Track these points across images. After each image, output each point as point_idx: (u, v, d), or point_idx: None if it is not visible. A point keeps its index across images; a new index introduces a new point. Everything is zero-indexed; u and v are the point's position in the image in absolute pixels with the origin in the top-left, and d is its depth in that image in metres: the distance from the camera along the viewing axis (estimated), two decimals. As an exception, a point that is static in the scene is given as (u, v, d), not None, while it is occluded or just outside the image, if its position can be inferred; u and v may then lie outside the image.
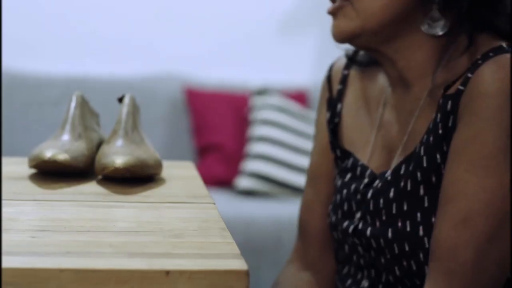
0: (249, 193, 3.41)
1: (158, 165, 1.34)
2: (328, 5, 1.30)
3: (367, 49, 1.33)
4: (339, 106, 1.44)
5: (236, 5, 3.91)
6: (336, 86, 1.45)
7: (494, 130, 1.15)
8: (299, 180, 3.36)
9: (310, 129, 3.51)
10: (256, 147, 3.47)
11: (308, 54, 3.93)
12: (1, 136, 3.46)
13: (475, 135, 1.16)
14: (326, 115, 1.46)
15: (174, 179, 1.37)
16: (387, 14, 1.24)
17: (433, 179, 1.23)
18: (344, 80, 1.44)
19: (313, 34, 3.91)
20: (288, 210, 3.10)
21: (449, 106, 1.21)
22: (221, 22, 3.90)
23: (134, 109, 1.39)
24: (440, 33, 1.24)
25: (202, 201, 1.21)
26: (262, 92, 3.59)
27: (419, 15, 1.25)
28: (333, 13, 1.28)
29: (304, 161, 3.40)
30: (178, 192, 1.27)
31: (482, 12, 1.24)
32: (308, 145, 3.45)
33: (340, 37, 1.28)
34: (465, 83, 1.20)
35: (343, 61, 1.47)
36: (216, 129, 3.58)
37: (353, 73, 1.44)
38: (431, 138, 1.23)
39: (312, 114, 3.57)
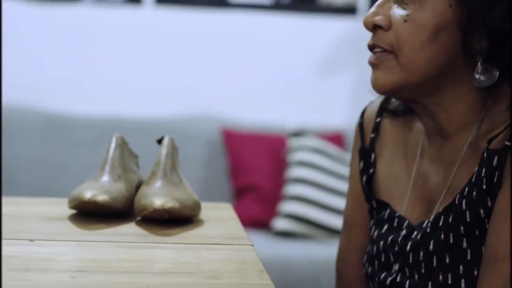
0: (286, 235, 3.40)
1: (197, 207, 1.34)
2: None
3: (407, 101, 1.32)
4: (372, 155, 1.43)
5: (273, 47, 3.93)
6: (369, 135, 1.44)
7: None
8: (336, 221, 3.35)
9: (347, 171, 3.49)
10: (292, 189, 3.46)
11: (344, 96, 3.94)
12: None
13: None
14: (359, 164, 1.45)
15: (212, 220, 1.37)
16: (431, 68, 1.23)
17: (477, 232, 1.23)
18: (377, 128, 1.43)
19: (349, 76, 3.91)
20: (325, 251, 3.08)
21: (495, 161, 1.20)
22: (257, 64, 3.92)
23: (173, 151, 1.40)
24: (487, 85, 1.23)
25: (240, 242, 1.21)
26: (298, 133, 3.60)
27: (462, 67, 1.24)
28: (375, 64, 1.27)
29: (340, 203, 3.39)
30: (216, 233, 1.27)
31: None
32: (345, 186, 3.43)
33: (382, 90, 1.27)
34: (511, 139, 1.19)
35: (375, 107, 1.45)
36: (253, 170, 3.59)
37: (386, 120, 1.42)
38: (474, 193, 1.22)
39: (349, 156, 3.56)
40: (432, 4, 1.22)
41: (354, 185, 1.47)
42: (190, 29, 3.90)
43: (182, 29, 3.90)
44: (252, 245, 1.19)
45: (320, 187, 3.46)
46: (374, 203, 1.41)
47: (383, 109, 1.43)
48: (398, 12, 1.24)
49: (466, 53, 1.22)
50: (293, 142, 3.58)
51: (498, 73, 1.23)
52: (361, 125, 1.46)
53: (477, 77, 1.23)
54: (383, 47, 1.25)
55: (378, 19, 1.25)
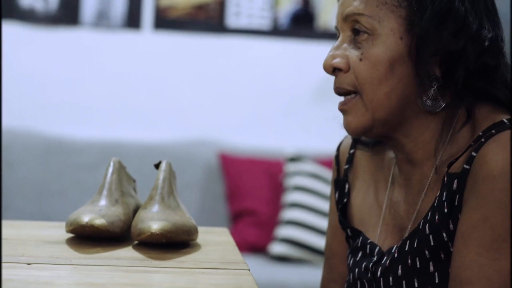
0: (282, 259, 3.40)
1: (194, 231, 1.34)
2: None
3: (380, 138, 1.35)
4: (346, 186, 1.45)
5: (270, 72, 3.94)
6: (343, 166, 1.48)
7: (502, 212, 1.17)
8: (333, 246, 3.35)
9: (344, 196, 3.50)
10: (289, 213, 3.47)
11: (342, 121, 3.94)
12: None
13: (484, 219, 1.17)
14: (335, 195, 1.48)
15: (209, 244, 1.37)
16: (392, 101, 1.26)
17: (442, 256, 1.24)
18: (350, 160, 1.46)
19: (347, 101, 3.93)
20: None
21: (455, 185, 1.22)
22: (255, 88, 3.94)
23: (171, 175, 1.41)
24: (438, 110, 1.26)
25: (237, 267, 1.21)
26: (295, 158, 3.60)
27: (421, 96, 1.27)
28: (344, 110, 1.31)
29: (337, 228, 3.39)
30: (213, 257, 1.28)
31: (479, 83, 1.25)
32: (342, 211, 3.44)
33: (355, 133, 1.31)
34: (469, 161, 1.21)
35: (350, 139, 1.49)
36: (250, 195, 3.59)
37: (359, 152, 1.46)
38: (436, 217, 1.24)
39: (346, 181, 3.57)
40: (383, 40, 1.25)
41: (332, 216, 1.50)
42: (188, 53, 3.91)
43: (181, 53, 3.91)
44: (249, 270, 1.19)
45: (317, 212, 3.46)
46: (349, 231, 1.43)
47: (356, 141, 1.47)
48: (353, 52, 1.27)
49: (423, 81, 1.25)
50: (290, 167, 3.58)
51: (446, 100, 1.25)
52: (337, 158, 1.51)
53: (425, 101, 1.26)
54: (347, 89, 1.29)
55: (337, 61, 1.29)
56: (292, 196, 3.50)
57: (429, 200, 1.29)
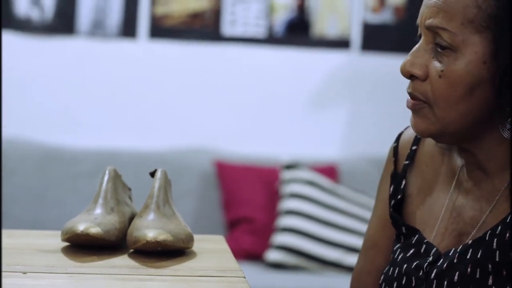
0: (279, 266, 3.40)
1: (189, 239, 1.35)
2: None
3: (448, 144, 1.35)
4: (403, 182, 1.43)
5: (266, 79, 3.95)
6: (403, 161, 1.44)
7: None
8: (329, 253, 3.35)
9: (339, 203, 3.51)
10: (285, 221, 3.47)
11: (337, 129, 3.95)
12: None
13: None
14: (389, 188, 1.45)
15: (205, 252, 1.37)
16: (467, 120, 1.25)
17: (504, 273, 1.23)
18: (412, 156, 1.43)
19: (342, 109, 3.94)
20: (318, 283, 3.08)
21: None
22: (251, 96, 3.94)
23: (166, 183, 1.41)
24: None
25: (233, 274, 1.22)
26: (292, 166, 3.61)
27: (497, 117, 1.25)
28: (413, 109, 1.29)
29: (333, 235, 3.40)
30: (209, 265, 1.28)
31: None
32: (337, 219, 3.45)
33: (422, 135, 1.31)
34: None
35: (412, 134, 1.44)
36: (246, 202, 3.59)
37: (423, 150, 1.43)
38: (507, 234, 1.23)
39: (341, 189, 3.57)
40: (467, 60, 1.22)
41: (381, 208, 1.47)
42: (184, 62, 3.92)
43: (176, 62, 3.92)
44: (245, 277, 1.19)
45: (313, 219, 3.47)
46: (404, 228, 1.40)
47: (419, 139, 1.43)
48: (435, 65, 1.25)
49: (503, 107, 1.23)
50: (286, 175, 3.59)
51: None
52: (395, 149, 1.46)
53: (508, 128, 1.24)
54: (419, 98, 1.27)
55: (416, 71, 1.26)
56: (288, 204, 3.51)
57: (497, 212, 1.27)
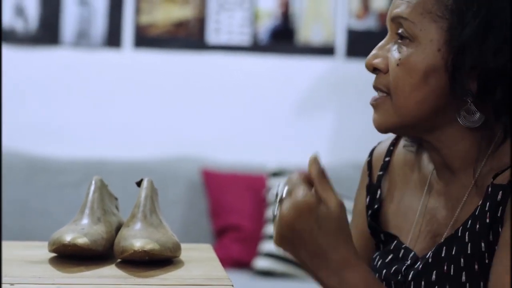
0: (267, 274, 3.40)
1: (177, 248, 1.35)
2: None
3: (409, 137, 1.37)
4: (379, 191, 1.45)
5: (252, 87, 3.96)
6: (377, 172, 1.47)
7: None
8: (317, 260, 3.36)
9: (327, 209, 3.51)
10: (273, 228, 3.47)
11: (324, 135, 3.96)
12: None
13: None
14: (366, 200, 1.47)
15: (193, 261, 1.37)
16: (422, 110, 1.27)
17: (476, 267, 1.24)
18: (385, 167, 1.46)
19: (328, 116, 3.94)
20: (307, 291, 3.08)
21: (499, 196, 1.23)
22: (237, 104, 3.95)
23: (152, 193, 1.41)
24: (475, 125, 1.26)
25: (220, 283, 1.22)
26: (278, 173, 3.61)
27: (456, 109, 1.27)
28: (373, 105, 1.32)
29: (321, 242, 3.40)
30: (197, 274, 1.28)
31: None
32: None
33: (380, 129, 1.32)
34: None
35: (385, 147, 1.48)
36: (233, 210, 3.59)
37: (396, 159, 1.46)
38: (477, 226, 1.24)
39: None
40: (422, 48, 1.26)
41: (358, 220, 1.49)
42: (169, 71, 3.92)
43: (161, 71, 3.92)
44: (232, 286, 1.19)
45: (300, 226, 3.47)
46: (382, 236, 1.42)
47: (392, 150, 1.47)
48: (394, 55, 1.28)
49: (458, 95, 1.25)
50: (273, 182, 3.59)
51: (483, 117, 1.25)
52: (369, 163, 1.50)
53: (464, 117, 1.26)
54: (381, 89, 1.30)
55: (377, 62, 1.30)
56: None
57: (468, 209, 1.28)
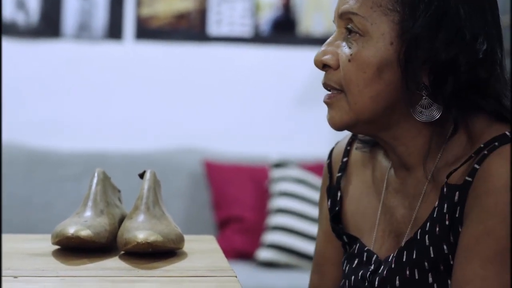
0: (270, 265, 3.40)
1: (180, 240, 1.35)
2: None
3: (366, 135, 1.36)
4: (339, 193, 1.44)
5: (252, 80, 3.95)
6: (336, 174, 1.46)
7: (506, 226, 1.16)
8: (320, 251, 3.36)
9: (330, 200, 3.51)
10: (276, 219, 3.47)
11: (325, 126, 3.94)
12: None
13: (488, 232, 1.17)
14: (327, 203, 1.46)
15: (196, 253, 1.37)
16: (377, 105, 1.25)
17: (441, 267, 1.24)
18: (343, 168, 1.45)
19: (331, 106, 3.94)
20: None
21: (456, 197, 1.22)
22: (238, 95, 3.94)
23: (155, 184, 1.41)
24: (434, 119, 1.25)
25: (224, 274, 1.22)
26: (280, 164, 3.61)
27: (410, 103, 1.25)
28: (329, 103, 1.30)
29: (324, 232, 3.40)
30: (200, 265, 1.28)
31: (468, 95, 1.24)
32: (328, 216, 3.45)
33: (336, 128, 1.30)
34: (472, 174, 1.20)
35: (342, 147, 1.48)
36: (236, 202, 3.59)
37: (353, 159, 1.45)
38: (437, 229, 1.23)
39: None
40: (374, 43, 1.24)
41: (323, 223, 1.49)
42: (170, 63, 3.92)
43: (163, 63, 3.92)
44: (236, 277, 1.19)
45: (303, 217, 3.47)
46: (345, 237, 1.42)
47: (349, 150, 1.46)
48: (344, 51, 1.26)
49: (411, 89, 1.24)
50: (276, 173, 3.59)
51: (440, 109, 1.24)
52: (329, 165, 1.49)
53: (419, 111, 1.25)
54: (333, 86, 1.28)
55: (327, 58, 1.28)
56: (278, 202, 3.51)
57: (426, 206, 1.28)
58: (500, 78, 1.26)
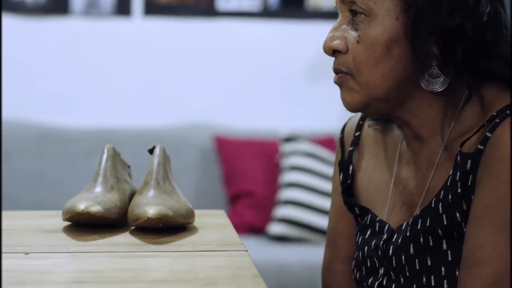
0: (281, 239, 3.41)
1: (190, 215, 1.35)
2: None
3: (380, 115, 1.36)
4: (350, 167, 1.45)
5: (262, 54, 3.94)
6: (348, 148, 1.47)
7: None
8: (331, 225, 3.36)
9: (341, 174, 3.50)
10: (287, 193, 3.47)
11: (335, 100, 3.93)
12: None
13: (499, 200, 1.18)
14: (339, 177, 1.47)
15: (206, 227, 1.38)
16: (389, 82, 1.26)
17: (455, 234, 1.25)
18: (356, 142, 1.46)
19: (340, 79, 3.93)
20: (321, 254, 3.08)
21: (468, 165, 1.22)
22: (248, 70, 3.93)
23: (165, 160, 1.41)
24: (440, 89, 1.25)
25: (235, 248, 1.22)
26: (291, 138, 3.61)
27: (418, 73, 1.26)
28: (339, 84, 1.31)
29: (335, 206, 3.40)
30: (210, 240, 1.28)
31: (478, 60, 1.25)
32: (339, 190, 3.44)
33: (350, 108, 1.31)
34: (484, 142, 1.21)
35: (354, 122, 1.48)
36: (247, 177, 3.59)
37: (365, 133, 1.45)
38: (450, 196, 1.24)
39: (342, 159, 3.57)
40: (380, 21, 1.25)
41: (336, 198, 1.50)
42: (179, 38, 3.91)
43: (172, 38, 3.91)
44: (246, 251, 1.20)
45: (314, 190, 3.47)
46: (356, 209, 1.43)
47: (361, 124, 1.46)
48: (351, 34, 1.27)
49: (421, 61, 1.24)
50: (286, 147, 3.59)
51: (447, 82, 1.25)
52: (341, 139, 1.50)
53: (427, 79, 1.25)
54: (343, 71, 1.29)
55: (335, 43, 1.29)
56: (288, 176, 3.51)
57: (439, 176, 1.28)
58: (507, 40, 1.26)
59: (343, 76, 1.29)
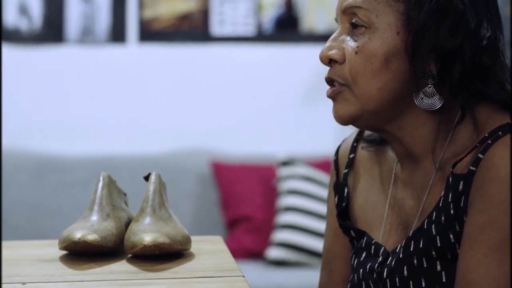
0: (280, 263, 3.40)
1: (187, 241, 1.35)
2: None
3: (371, 129, 1.35)
4: (346, 189, 1.45)
5: (257, 78, 3.95)
6: (343, 170, 1.47)
7: (509, 215, 1.17)
8: (330, 248, 3.36)
9: (338, 197, 3.50)
10: (284, 217, 3.47)
11: (332, 123, 3.94)
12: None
13: (491, 221, 1.18)
14: (334, 199, 1.47)
15: (203, 253, 1.37)
16: (385, 95, 1.26)
17: (449, 255, 1.25)
18: (350, 164, 1.45)
19: (336, 102, 3.93)
20: (320, 279, 3.08)
21: (460, 186, 1.22)
22: (244, 95, 3.94)
23: (161, 186, 1.41)
24: (433, 108, 1.25)
25: (232, 274, 1.22)
26: (288, 162, 3.61)
27: (413, 90, 1.26)
28: (332, 97, 1.30)
29: (333, 229, 3.40)
30: (207, 266, 1.28)
31: (474, 82, 1.25)
32: (337, 212, 3.44)
33: (341, 121, 1.30)
34: (476, 163, 1.21)
35: (349, 144, 1.48)
36: (244, 201, 3.59)
37: (360, 155, 1.45)
38: (442, 218, 1.24)
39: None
40: (380, 34, 1.25)
41: (331, 219, 1.49)
42: (174, 64, 3.92)
43: (167, 64, 3.92)
44: (243, 276, 1.19)
45: (311, 214, 3.47)
46: (352, 232, 1.42)
47: (356, 146, 1.46)
48: (350, 44, 1.27)
49: (418, 78, 1.24)
50: (283, 171, 3.59)
51: (442, 101, 1.25)
52: (335, 162, 1.49)
53: (421, 97, 1.25)
54: (337, 81, 1.29)
55: (332, 53, 1.29)
56: (286, 200, 3.51)
57: (433, 197, 1.28)
58: (504, 66, 1.27)
59: (337, 89, 1.29)
